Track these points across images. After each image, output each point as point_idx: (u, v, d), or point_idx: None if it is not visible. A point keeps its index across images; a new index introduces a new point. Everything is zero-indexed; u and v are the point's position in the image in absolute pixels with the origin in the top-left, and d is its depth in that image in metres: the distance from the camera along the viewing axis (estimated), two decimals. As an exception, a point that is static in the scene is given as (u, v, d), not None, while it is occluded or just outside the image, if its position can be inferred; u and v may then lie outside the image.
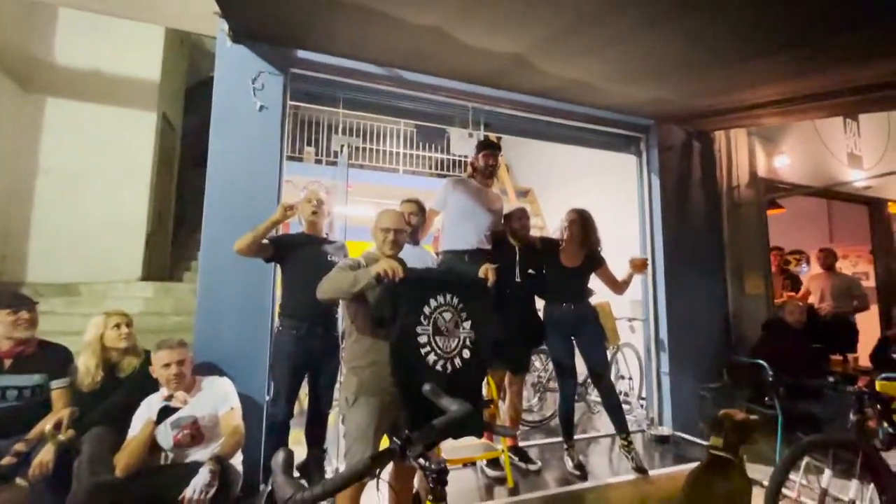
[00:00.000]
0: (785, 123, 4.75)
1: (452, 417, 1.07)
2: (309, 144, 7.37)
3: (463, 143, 3.88)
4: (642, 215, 4.30)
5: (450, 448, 2.81)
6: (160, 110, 6.00)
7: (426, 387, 1.26)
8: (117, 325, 2.46)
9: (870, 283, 6.01)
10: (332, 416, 2.80)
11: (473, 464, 3.07)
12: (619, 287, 3.19)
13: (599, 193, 5.10)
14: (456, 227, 3.08)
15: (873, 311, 5.34)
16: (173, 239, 6.67)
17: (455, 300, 1.81)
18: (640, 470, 2.98)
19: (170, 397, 2.20)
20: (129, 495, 2.01)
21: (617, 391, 3.25)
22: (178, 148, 6.88)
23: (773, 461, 2.91)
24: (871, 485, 2.22)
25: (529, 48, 2.89)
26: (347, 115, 3.54)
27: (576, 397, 3.33)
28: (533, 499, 2.71)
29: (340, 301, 2.08)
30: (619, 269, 3.24)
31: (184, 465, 2.15)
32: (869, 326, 5.07)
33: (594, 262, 3.21)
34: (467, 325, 1.87)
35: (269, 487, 2.30)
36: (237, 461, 2.29)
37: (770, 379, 3.29)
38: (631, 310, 4.53)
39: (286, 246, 2.68)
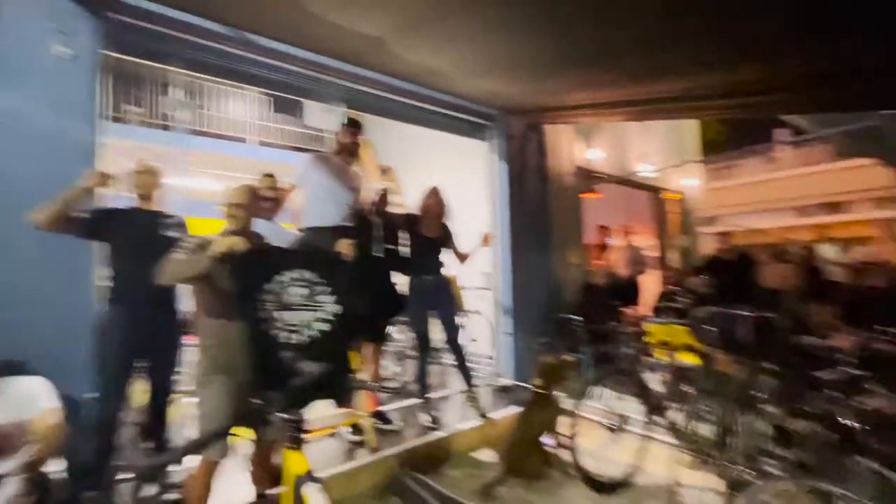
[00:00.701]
0: (597, 123, 5.76)
1: (308, 376, 1.17)
2: (134, 103, 6.27)
3: (321, 118, 3.81)
4: (490, 196, 4.83)
5: (313, 418, 2.87)
6: None
7: (286, 353, 1.33)
8: None
9: (654, 252, 7.77)
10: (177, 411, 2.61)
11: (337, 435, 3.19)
12: (464, 258, 3.59)
13: (453, 175, 5.50)
14: (317, 204, 3.07)
15: (657, 274, 6.95)
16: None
17: (309, 275, 1.84)
18: (484, 416, 3.48)
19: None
20: None
21: (466, 352, 3.70)
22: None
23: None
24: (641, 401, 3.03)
25: (389, 32, 2.99)
26: (187, 74, 3.17)
27: (430, 360, 3.68)
28: (393, 454, 2.97)
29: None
30: (465, 245, 3.64)
31: (-21, 482, 1.81)
32: (653, 285, 6.60)
33: (448, 234, 3.55)
34: (326, 298, 1.92)
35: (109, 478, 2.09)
36: (58, 467, 2.01)
37: (580, 330, 4.11)
38: (481, 280, 5.09)
39: (110, 221, 2.36)
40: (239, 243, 1.69)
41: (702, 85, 3.70)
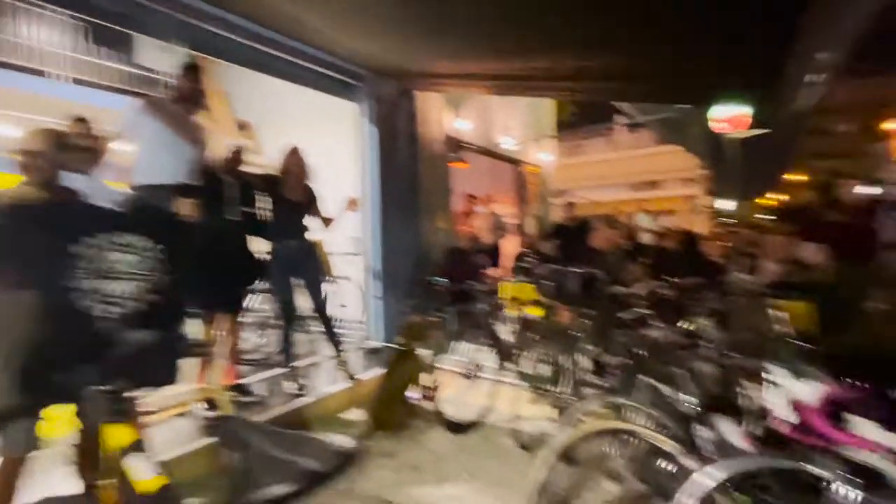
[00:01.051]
0: (465, 94, 5.99)
1: (129, 347, 1.07)
2: None
3: (157, 57, 3.26)
4: (361, 160, 4.73)
5: (162, 398, 2.63)
6: None
7: (103, 324, 1.18)
8: None
9: (514, 220, 8.55)
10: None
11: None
12: (328, 222, 3.52)
13: (322, 136, 5.25)
14: (152, 159, 2.69)
15: (516, 239, 7.68)
16: None
17: (136, 239, 1.59)
18: (352, 378, 3.55)
19: None
20: None
21: (335, 318, 3.69)
22: None
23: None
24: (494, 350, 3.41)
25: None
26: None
27: (295, 329, 3.58)
28: (258, 423, 2.86)
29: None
30: (332, 209, 3.55)
31: None
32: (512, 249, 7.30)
33: (312, 197, 3.41)
34: (154, 266, 1.68)
35: None
36: None
37: (445, 291, 4.39)
38: (351, 245, 5.04)
39: None
40: (32, 195, 1.39)
41: (557, 66, 4.09)
